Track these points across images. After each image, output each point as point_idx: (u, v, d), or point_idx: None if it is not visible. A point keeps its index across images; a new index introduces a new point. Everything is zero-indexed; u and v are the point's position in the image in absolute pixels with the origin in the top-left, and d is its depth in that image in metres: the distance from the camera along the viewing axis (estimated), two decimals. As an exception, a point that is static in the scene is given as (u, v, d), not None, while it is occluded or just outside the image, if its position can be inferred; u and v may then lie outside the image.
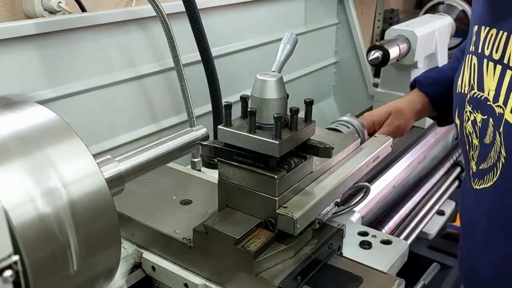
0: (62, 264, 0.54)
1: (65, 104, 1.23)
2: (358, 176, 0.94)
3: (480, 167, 0.89)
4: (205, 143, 0.82)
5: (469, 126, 0.91)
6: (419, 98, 1.30)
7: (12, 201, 0.49)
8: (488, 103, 0.85)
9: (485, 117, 0.86)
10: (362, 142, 1.02)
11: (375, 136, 1.05)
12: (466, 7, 2.06)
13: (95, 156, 0.60)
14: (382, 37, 2.39)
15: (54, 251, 0.52)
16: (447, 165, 1.86)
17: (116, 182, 0.69)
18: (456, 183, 1.96)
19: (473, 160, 0.92)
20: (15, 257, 0.48)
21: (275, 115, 0.74)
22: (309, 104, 0.81)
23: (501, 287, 0.92)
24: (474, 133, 0.90)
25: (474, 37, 0.91)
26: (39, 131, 0.56)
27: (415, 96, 1.31)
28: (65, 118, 0.60)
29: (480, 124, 0.87)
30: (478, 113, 0.88)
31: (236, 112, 0.82)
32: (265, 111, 0.79)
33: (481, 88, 0.87)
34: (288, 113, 0.79)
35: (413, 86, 1.35)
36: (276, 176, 0.78)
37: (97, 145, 1.30)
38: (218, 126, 0.81)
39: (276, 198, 0.79)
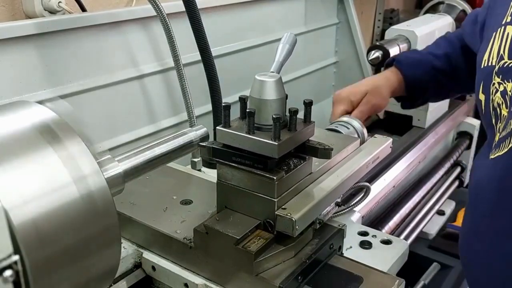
0: (62, 264, 0.54)
1: (65, 104, 1.23)
2: (358, 177, 0.94)
3: (500, 136, 0.89)
4: (204, 144, 0.82)
5: (497, 98, 0.90)
6: (396, 77, 1.31)
7: (12, 201, 0.49)
8: None
9: None
10: (361, 143, 1.02)
11: (375, 137, 1.05)
12: (466, 7, 2.06)
13: (95, 156, 0.60)
14: (382, 37, 2.39)
15: (54, 251, 0.52)
16: (447, 165, 1.87)
17: (116, 182, 0.68)
18: (456, 183, 1.97)
19: (498, 133, 0.91)
20: (15, 257, 0.48)
21: (274, 116, 0.74)
22: (308, 105, 0.81)
23: (503, 262, 0.91)
24: (503, 104, 0.89)
25: None
26: (39, 131, 0.56)
27: (393, 74, 1.32)
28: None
29: (510, 93, 0.87)
30: (509, 82, 0.87)
31: (235, 112, 0.82)
32: (264, 112, 0.78)
33: None
34: (287, 114, 0.79)
35: (389, 64, 1.36)
36: (275, 177, 0.77)
37: (97, 145, 1.30)
38: (217, 127, 0.81)
39: (275, 200, 0.78)
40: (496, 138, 0.91)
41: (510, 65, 0.88)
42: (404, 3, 3.12)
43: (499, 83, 0.90)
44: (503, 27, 0.92)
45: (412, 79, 1.31)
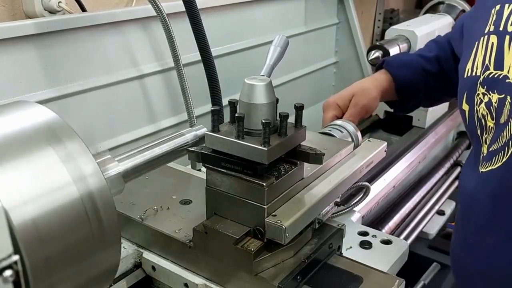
0: (62, 264, 0.54)
1: (65, 104, 1.23)
2: (351, 182, 0.92)
3: (491, 149, 0.88)
4: (193, 149, 0.80)
5: (482, 109, 0.89)
6: (385, 77, 1.30)
7: (12, 201, 0.49)
8: (507, 80, 0.84)
9: (502, 96, 0.84)
10: (355, 147, 1.00)
11: (369, 141, 1.04)
12: (466, 7, 2.06)
13: (95, 156, 0.60)
14: (382, 37, 2.39)
15: (54, 251, 0.52)
16: (447, 165, 1.87)
17: (116, 182, 0.69)
18: (456, 183, 1.96)
19: (485, 144, 0.90)
20: (15, 257, 0.48)
21: (263, 121, 0.72)
22: (299, 109, 0.79)
23: (497, 275, 0.91)
24: (488, 115, 0.88)
25: (495, 16, 0.91)
26: (39, 131, 0.56)
27: (381, 75, 1.30)
28: (66, 116, 0.60)
29: (496, 104, 0.86)
30: (494, 93, 0.86)
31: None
32: (253, 117, 0.76)
33: (499, 66, 0.86)
34: (278, 118, 0.77)
35: (379, 67, 1.35)
36: (264, 184, 0.75)
37: (97, 145, 1.30)
38: (205, 132, 0.79)
39: (265, 206, 0.77)
40: (484, 150, 0.90)
41: (495, 76, 0.86)
42: (404, 3, 3.12)
43: (483, 94, 0.89)
44: (486, 36, 0.91)
45: (401, 80, 1.29)
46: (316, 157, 0.80)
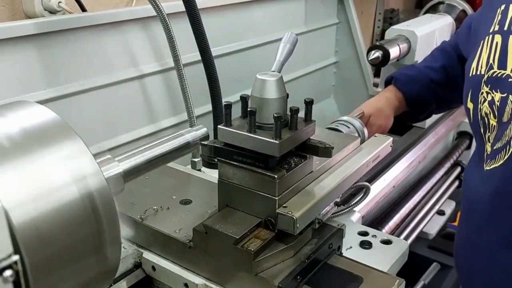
0: (62, 264, 0.54)
1: (65, 104, 1.23)
2: (358, 176, 0.94)
3: (495, 147, 0.89)
4: (205, 142, 0.82)
5: (485, 107, 0.91)
6: (395, 95, 1.35)
7: (12, 201, 0.49)
8: (510, 79, 0.85)
9: (505, 94, 0.86)
10: (362, 142, 1.02)
11: (375, 136, 1.05)
12: (466, 7, 2.06)
13: (95, 156, 0.60)
14: (382, 37, 2.39)
15: (54, 251, 0.52)
16: (447, 165, 1.86)
17: (116, 182, 0.68)
18: (456, 183, 1.96)
19: (489, 142, 0.91)
20: (15, 257, 0.48)
21: (275, 115, 0.75)
22: (309, 104, 0.81)
23: (497, 272, 0.91)
24: (491, 114, 0.89)
25: (500, 16, 0.92)
26: (39, 131, 0.56)
27: (391, 92, 1.36)
28: (66, 116, 0.60)
29: (498, 103, 0.87)
30: (497, 92, 0.87)
31: (236, 112, 0.82)
32: (265, 111, 0.79)
33: (503, 66, 0.87)
34: (288, 112, 0.79)
35: (388, 82, 1.39)
36: (276, 176, 0.78)
37: (97, 145, 1.30)
38: (218, 126, 0.81)
39: (276, 198, 0.79)
40: (488, 149, 0.91)
41: (499, 75, 0.87)
42: (404, 3, 3.12)
43: (487, 93, 0.90)
44: (491, 36, 0.92)
45: (411, 95, 1.34)
46: (325, 151, 0.82)
